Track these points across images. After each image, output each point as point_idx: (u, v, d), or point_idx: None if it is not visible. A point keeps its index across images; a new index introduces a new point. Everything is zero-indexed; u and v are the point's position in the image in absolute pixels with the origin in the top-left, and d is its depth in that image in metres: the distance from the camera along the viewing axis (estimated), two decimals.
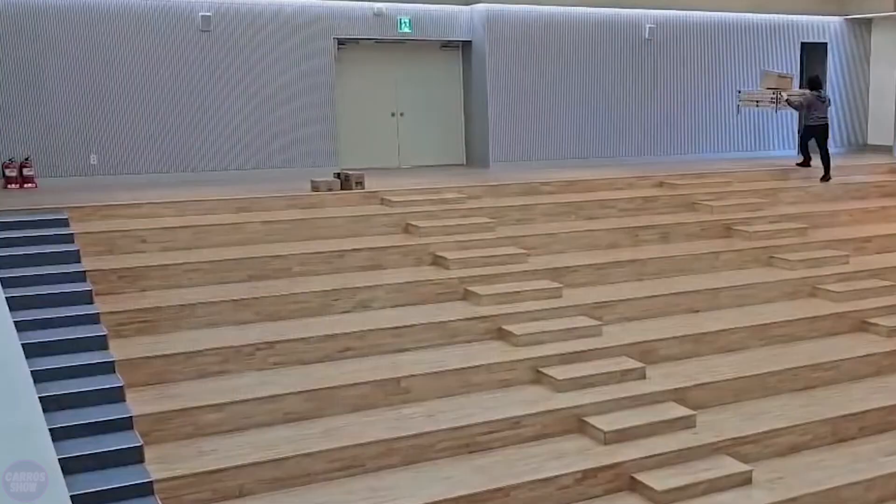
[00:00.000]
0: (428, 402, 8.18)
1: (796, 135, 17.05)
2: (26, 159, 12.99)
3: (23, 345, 4.90)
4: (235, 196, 11.55)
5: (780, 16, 18.15)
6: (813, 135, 15.26)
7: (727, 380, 8.93)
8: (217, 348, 8.30)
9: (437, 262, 10.64)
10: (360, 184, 12.28)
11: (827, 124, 15.15)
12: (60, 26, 13.17)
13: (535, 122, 16.19)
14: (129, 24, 13.56)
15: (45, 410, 3.92)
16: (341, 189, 12.15)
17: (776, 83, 15.74)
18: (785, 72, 16.76)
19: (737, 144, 18.06)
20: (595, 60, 16.57)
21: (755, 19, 17.95)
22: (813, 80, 15.60)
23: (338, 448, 7.25)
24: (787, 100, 15.56)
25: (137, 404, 7.23)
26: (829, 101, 15.72)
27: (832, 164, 14.98)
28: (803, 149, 15.91)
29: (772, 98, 15.65)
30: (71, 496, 2.97)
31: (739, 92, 16.72)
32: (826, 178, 14.81)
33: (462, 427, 7.71)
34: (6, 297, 6.40)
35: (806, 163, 15.74)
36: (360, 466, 7.26)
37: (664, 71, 17.18)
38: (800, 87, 16.26)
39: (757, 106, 16.39)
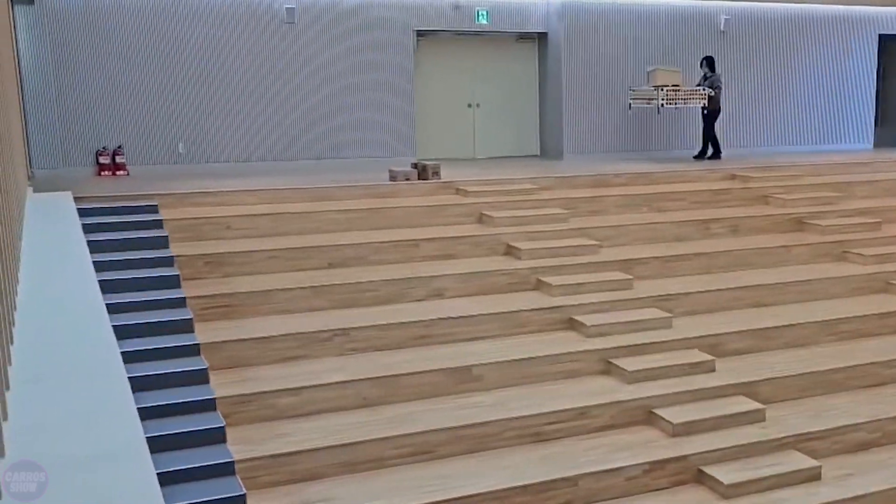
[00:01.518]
0: (497, 391, 8.29)
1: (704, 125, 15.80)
2: (119, 147, 13.50)
3: (113, 326, 4.96)
4: (315, 185, 11.74)
5: (858, 7, 17.74)
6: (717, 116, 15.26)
7: (796, 375, 8.88)
8: (294, 334, 8.47)
9: (510, 252, 10.74)
10: (436, 174, 12.41)
11: None
12: (151, 21, 13.61)
13: (608, 113, 16.17)
14: (215, 18, 13.94)
15: (133, 391, 3.96)
16: (418, 179, 12.28)
17: (666, 79, 14.94)
18: (673, 67, 15.69)
19: (809, 137, 17.76)
20: (669, 52, 16.46)
21: (832, 10, 17.61)
22: (712, 61, 15.36)
23: (408, 434, 7.38)
24: (711, 96, 15.00)
25: (219, 386, 7.42)
26: None
27: None
28: (712, 137, 15.40)
29: (668, 98, 14.79)
30: (157, 474, 3.03)
31: (634, 90, 15.58)
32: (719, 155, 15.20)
33: (530, 416, 7.79)
34: (99, 281, 6.69)
35: (705, 154, 15.40)
36: (429, 453, 7.39)
37: (738, 63, 16.98)
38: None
39: (648, 104, 15.16)
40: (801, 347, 9.65)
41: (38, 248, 6.70)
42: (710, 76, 15.32)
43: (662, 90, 14.81)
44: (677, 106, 15.05)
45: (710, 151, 15.48)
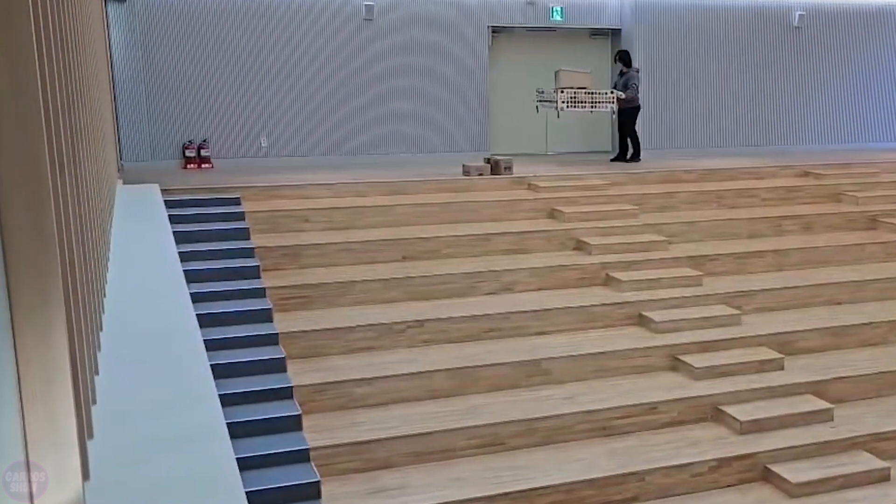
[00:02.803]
0: (566, 385, 8.38)
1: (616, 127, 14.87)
2: (204, 141, 13.89)
3: (196, 315, 5.12)
4: (390, 179, 11.90)
5: None
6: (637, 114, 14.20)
7: (868, 374, 8.83)
8: (369, 325, 8.65)
9: (580, 247, 10.79)
10: (508, 169, 12.49)
11: None
12: (235, 18, 13.93)
13: (680, 109, 16.07)
14: (298, 15, 14.20)
15: (214, 378, 4.09)
16: (491, 174, 12.38)
17: (571, 81, 13.96)
18: (582, 69, 14.44)
19: (884, 134, 17.36)
20: (742, 48, 16.29)
21: None
22: (627, 55, 14.37)
23: (479, 426, 7.51)
24: (625, 98, 13.84)
25: (296, 375, 7.64)
26: None
27: None
28: (635, 136, 14.28)
29: (571, 101, 13.79)
30: (236, 459, 3.15)
31: (541, 92, 14.49)
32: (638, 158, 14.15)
33: (599, 410, 7.88)
34: (183, 270, 6.93)
35: (624, 156, 14.29)
36: (500, 444, 7.51)
37: (812, 59, 16.70)
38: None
39: (553, 106, 14.00)
40: (872, 346, 9.57)
41: (126, 238, 6.95)
42: (626, 72, 14.20)
43: (563, 92, 13.84)
44: (581, 109, 14.01)
45: (630, 152, 14.41)
